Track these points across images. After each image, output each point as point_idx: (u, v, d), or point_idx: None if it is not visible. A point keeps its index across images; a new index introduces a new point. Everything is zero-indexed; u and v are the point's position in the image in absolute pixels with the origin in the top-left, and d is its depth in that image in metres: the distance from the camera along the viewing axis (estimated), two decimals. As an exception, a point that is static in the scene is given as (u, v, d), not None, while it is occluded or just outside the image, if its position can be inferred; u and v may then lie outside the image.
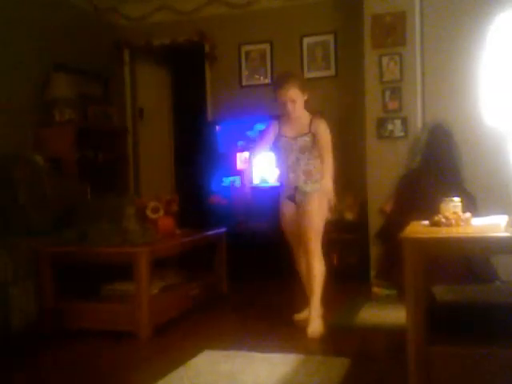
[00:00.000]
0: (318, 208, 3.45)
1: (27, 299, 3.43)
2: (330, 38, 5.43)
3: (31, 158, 4.33)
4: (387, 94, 4.69)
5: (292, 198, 3.56)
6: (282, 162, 3.62)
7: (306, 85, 3.60)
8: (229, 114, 5.62)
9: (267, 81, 5.62)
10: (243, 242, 4.91)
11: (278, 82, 3.55)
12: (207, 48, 5.77)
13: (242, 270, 4.72)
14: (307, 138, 3.49)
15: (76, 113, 5.04)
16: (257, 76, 5.67)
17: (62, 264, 3.59)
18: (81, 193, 4.75)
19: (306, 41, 5.48)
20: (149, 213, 3.91)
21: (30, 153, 4.45)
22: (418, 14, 4.63)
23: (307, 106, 3.58)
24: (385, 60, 4.68)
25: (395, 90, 4.67)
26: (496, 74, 4.44)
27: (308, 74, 5.49)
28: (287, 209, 3.61)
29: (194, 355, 2.96)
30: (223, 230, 4.53)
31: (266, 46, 5.62)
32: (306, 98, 3.54)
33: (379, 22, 4.67)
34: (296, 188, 3.52)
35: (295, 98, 3.47)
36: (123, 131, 5.89)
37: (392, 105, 4.69)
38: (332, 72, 5.45)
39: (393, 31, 4.65)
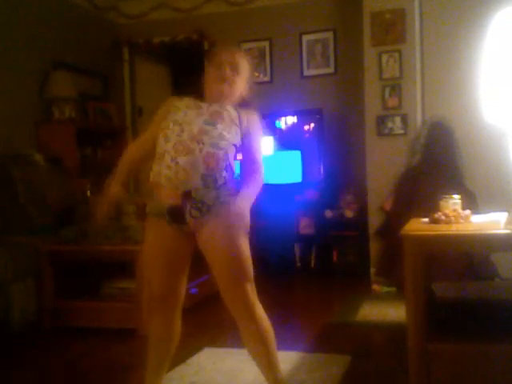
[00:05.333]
0: (243, 235, 2.09)
1: (27, 298, 3.43)
2: (329, 35, 5.43)
3: (31, 157, 4.33)
4: (387, 91, 4.68)
5: (176, 216, 2.04)
6: (165, 134, 2.09)
7: (252, 81, 2.32)
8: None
9: (267, 78, 5.63)
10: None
11: (224, 46, 2.43)
12: (206, 46, 5.77)
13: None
14: (229, 108, 2.15)
15: (75, 111, 5.04)
16: (256, 74, 5.67)
17: (62, 262, 3.59)
18: (81, 191, 4.75)
19: (305, 38, 5.48)
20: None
21: (29, 151, 4.45)
22: (418, 11, 4.63)
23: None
24: (384, 57, 4.67)
25: (395, 87, 4.67)
26: (496, 71, 4.44)
27: (307, 72, 5.50)
28: (161, 235, 2.09)
29: (194, 353, 2.97)
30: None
31: (266, 44, 5.62)
32: (245, 92, 2.25)
33: (378, 19, 4.67)
34: (188, 196, 2.01)
35: (240, 68, 2.21)
36: (123, 129, 5.89)
37: (392, 102, 4.69)
38: (331, 69, 5.45)
39: (392, 28, 4.65)
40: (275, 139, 5.21)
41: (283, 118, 5.29)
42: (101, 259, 3.60)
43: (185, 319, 3.81)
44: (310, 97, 5.39)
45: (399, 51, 4.64)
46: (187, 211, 2.01)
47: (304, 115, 5.22)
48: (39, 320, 3.48)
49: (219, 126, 2.06)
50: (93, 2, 5.60)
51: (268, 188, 4.93)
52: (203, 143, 2.01)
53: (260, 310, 2.15)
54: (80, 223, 3.84)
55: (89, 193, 4.81)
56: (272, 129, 5.21)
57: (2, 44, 4.52)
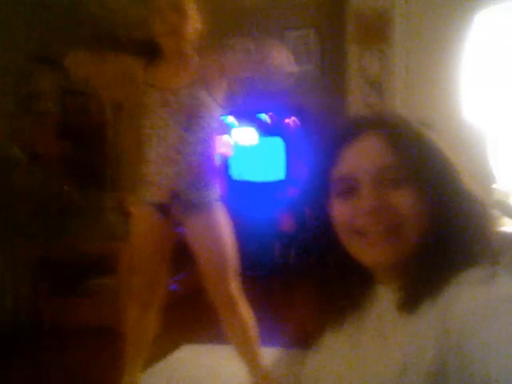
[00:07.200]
0: (226, 229, 2.11)
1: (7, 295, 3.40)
2: (311, 32, 5.42)
3: (8, 152, 4.27)
4: (368, 90, 4.70)
5: (165, 209, 2.03)
6: (146, 138, 2.01)
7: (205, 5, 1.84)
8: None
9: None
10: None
11: None
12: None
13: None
14: (198, 91, 1.93)
15: (54, 105, 4.98)
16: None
17: (45, 260, 3.57)
18: (60, 187, 4.70)
19: (287, 34, 5.47)
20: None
21: (6, 146, 4.39)
22: (402, 11, 4.65)
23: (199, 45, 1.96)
24: (367, 55, 4.68)
25: (377, 85, 4.69)
26: (479, 72, 4.48)
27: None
28: (149, 225, 2.07)
29: (174, 349, 2.95)
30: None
31: (248, 40, 5.60)
32: (199, 25, 1.97)
33: (362, 17, 4.68)
34: (175, 195, 2.00)
35: (186, 7, 1.86)
36: (103, 124, 5.83)
37: (373, 101, 4.70)
38: (314, 67, 5.44)
39: (375, 28, 4.66)
40: (258, 135, 5.21)
41: (265, 115, 5.28)
42: (83, 256, 3.58)
43: (164, 316, 3.78)
44: (292, 93, 5.38)
45: (382, 51, 4.65)
46: (173, 207, 2.05)
47: (287, 111, 5.22)
48: (19, 320, 3.46)
49: (194, 127, 1.99)
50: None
51: (248, 186, 4.93)
52: (185, 153, 1.98)
53: (244, 306, 2.17)
54: (59, 218, 3.80)
55: (66, 187, 4.77)
56: (255, 125, 5.19)
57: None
